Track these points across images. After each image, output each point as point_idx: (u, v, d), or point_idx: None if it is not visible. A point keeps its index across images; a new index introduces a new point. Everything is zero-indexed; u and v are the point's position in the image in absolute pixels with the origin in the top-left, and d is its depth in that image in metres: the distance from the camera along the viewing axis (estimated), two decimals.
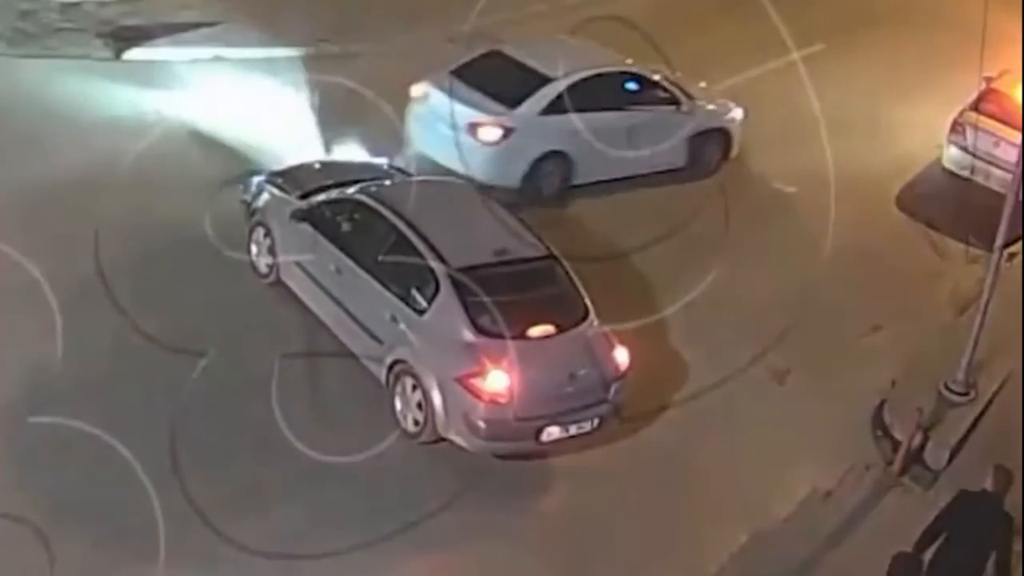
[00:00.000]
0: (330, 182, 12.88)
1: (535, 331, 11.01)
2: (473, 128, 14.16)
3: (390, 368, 11.17)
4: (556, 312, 11.25)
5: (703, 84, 16.17)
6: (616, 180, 14.95)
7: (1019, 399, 12.18)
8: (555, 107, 14.39)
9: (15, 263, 11.26)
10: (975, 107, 16.46)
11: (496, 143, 14.16)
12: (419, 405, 10.90)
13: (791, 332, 13.02)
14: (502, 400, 10.57)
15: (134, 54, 16.76)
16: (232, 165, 14.25)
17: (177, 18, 17.64)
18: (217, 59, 16.92)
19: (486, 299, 10.91)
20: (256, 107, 15.76)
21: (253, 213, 13.02)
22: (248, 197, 13.23)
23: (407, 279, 11.27)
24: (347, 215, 12.10)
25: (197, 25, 17.54)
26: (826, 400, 12.50)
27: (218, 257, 12.47)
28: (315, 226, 12.15)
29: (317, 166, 13.79)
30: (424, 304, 11.08)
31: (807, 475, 11.57)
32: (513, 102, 14.35)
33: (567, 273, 11.56)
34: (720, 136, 15.79)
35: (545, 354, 10.96)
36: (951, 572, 9.61)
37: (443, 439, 10.88)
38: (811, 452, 11.89)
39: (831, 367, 12.96)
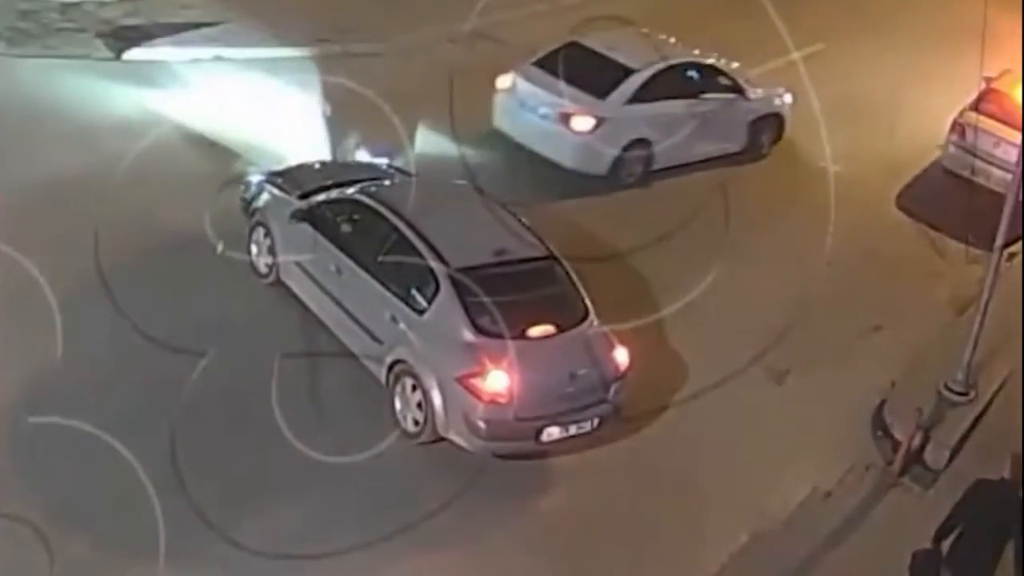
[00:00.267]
0: (330, 182, 12.88)
1: (535, 331, 11.01)
2: (566, 118, 14.85)
3: (390, 368, 11.17)
4: (556, 312, 11.25)
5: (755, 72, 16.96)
6: (687, 164, 15.85)
7: (1019, 399, 12.17)
8: (638, 97, 15.21)
9: (15, 263, 11.25)
10: (975, 107, 16.49)
11: (589, 132, 14.87)
12: (419, 405, 10.90)
13: (791, 332, 13.03)
14: (502, 400, 10.57)
15: (134, 54, 16.76)
16: (232, 165, 14.26)
17: (177, 18, 17.66)
18: (217, 59, 16.93)
19: (486, 299, 10.91)
20: (256, 107, 15.77)
21: (253, 213, 13.02)
22: (248, 197, 13.22)
23: (407, 279, 11.27)
24: (347, 215, 12.10)
25: (197, 25, 17.55)
26: (826, 400, 12.51)
27: (218, 257, 12.46)
28: (315, 226, 12.15)
29: (317, 166, 13.80)
30: (424, 304, 11.08)
31: (807, 475, 11.58)
32: (602, 93, 15.05)
33: (567, 273, 11.55)
34: (775, 120, 16.65)
35: (545, 354, 10.96)
36: (969, 561, 9.62)
37: (443, 439, 10.89)
38: (811, 452, 11.89)
39: (831, 367, 12.96)
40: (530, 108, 15.16)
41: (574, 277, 11.54)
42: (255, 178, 13.42)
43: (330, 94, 15.96)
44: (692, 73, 15.99)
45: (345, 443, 10.57)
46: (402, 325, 11.12)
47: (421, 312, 11.08)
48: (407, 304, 11.18)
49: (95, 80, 15.93)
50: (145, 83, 15.95)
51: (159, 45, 17.00)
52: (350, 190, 12.43)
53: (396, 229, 11.53)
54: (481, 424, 10.58)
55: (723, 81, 16.22)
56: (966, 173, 16.27)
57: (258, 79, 16.52)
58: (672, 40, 16.57)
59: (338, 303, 11.79)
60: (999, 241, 12.19)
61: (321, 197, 12.54)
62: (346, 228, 12.00)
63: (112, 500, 9.83)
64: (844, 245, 14.51)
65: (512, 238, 11.68)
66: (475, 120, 15.45)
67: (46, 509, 9.63)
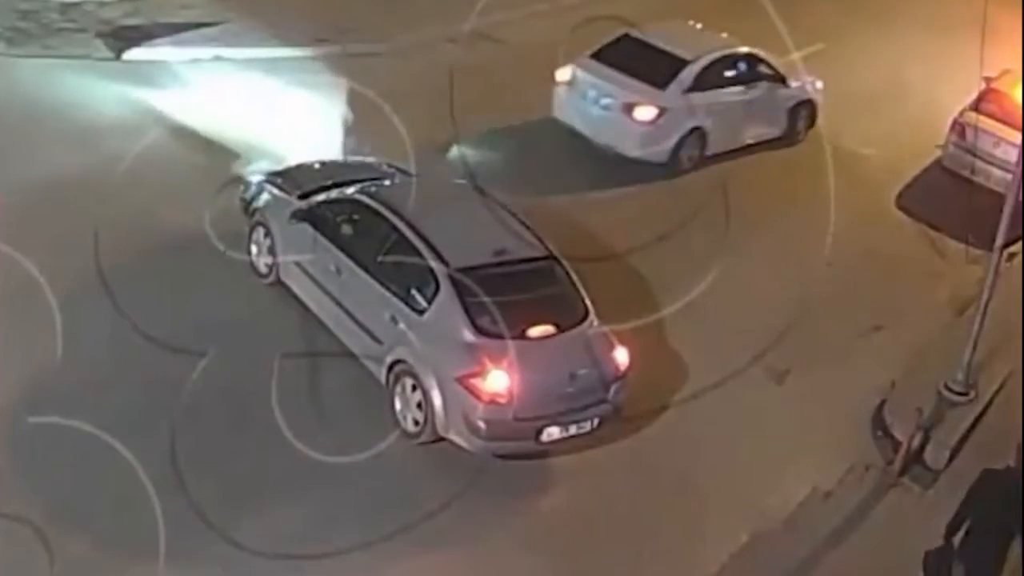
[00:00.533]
0: (330, 182, 12.88)
1: (535, 331, 11.01)
2: (629, 108, 15.50)
3: (390, 368, 11.17)
4: (556, 312, 11.24)
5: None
6: (735, 150, 16.62)
7: (1019, 399, 12.17)
8: (694, 86, 15.92)
9: (15, 263, 11.25)
10: (975, 107, 16.49)
11: (651, 122, 15.53)
12: (419, 405, 10.90)
13: (791, 332, 13.03)
14: (502, 400, 10.57)
15: (134, 54, 16.76)
16: (232, 165, 14.26)
17: (177, 18, 17.67)
18: (217, 59, 16.93)
19: (486, 299, 10.90)
20: (256, 107, 15.77)
21: (253, 213, 13.02)
22: (248, 197, 13.22)
23: (407, 279, 11.27)
24: (347, 215, 12.10)
25: (197, 25, 17.56)
26: (826, 400, 12.50)
27: (218, 257, 12.46)
28: (315, 226, 12.15)
29: (317, 166, 13.78)
30: (424, 304, 11.08)
31: (807, 475, 11.58)
32: (661, 83, 15.72)
33: (567, 273, 11.55)
34: (809, 106, 17.40)
35: (545, 354, 10.96)
36: (980, 553, 9.66)
37: (443, 439, 10.88)
38: (811, 452, 11.89)
39: (831, 367, 12.96)
40: (592, 99, 15.77)
41: (574, 277, 11.53)
42: (255, 178, 13.42)
43: (330, 94, 15.98)
44: (739, 63, 16.67)
45: (345, 443, 10.57)
46: (402, 325, 11.12)
47: (421, 312, 11.08)
48: (407, 304, 11.18)
49: (95, 80, 15.93)
50: (145, 83, 15.95)
51: (159, 45, 17.00)
52: (350, 190, 12.43)
53: (396, 229, 11.52)
54: (481, 424, 10.58)
55: (765, 70, 16.88)
56: (966, 173, 16.28)
57: (258, 79, 16.54)
58: (719, 32, 17.31)
59: (338, 303, 11.78)
60: (999, 241, 12.19)
61: (321, 197, 12.54)
62: (346, 228, 11.99)
63: (112, 500, 9.83)
64: (844, 245, 14.52)
65: (512, 238, 11.67)
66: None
67: (46, 509, 9.63)
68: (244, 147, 14.72)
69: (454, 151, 15.04)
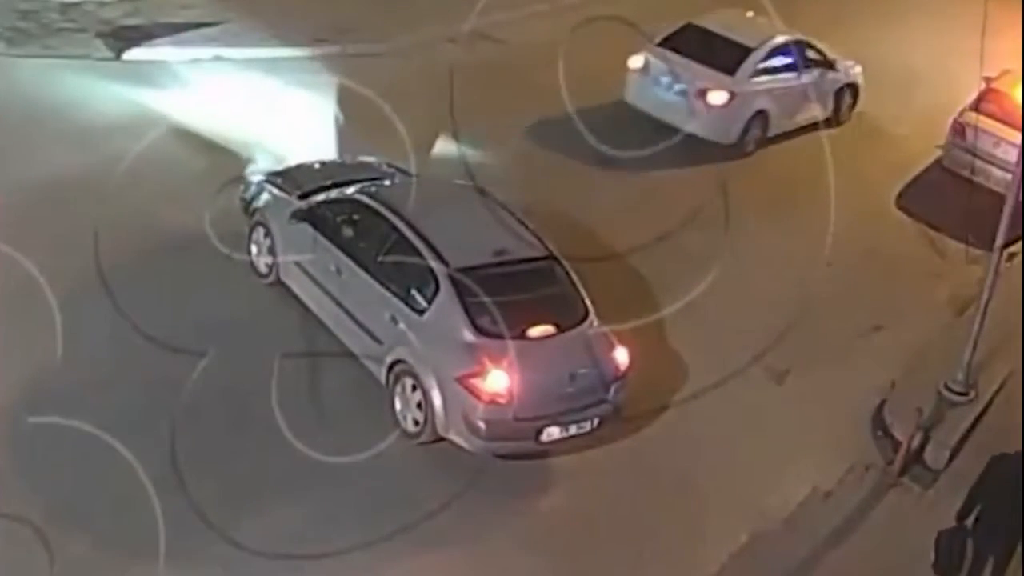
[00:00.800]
0: (330, 182, 12.88)
1: (535, 331, 11.01)
2: (702, 93, 16.46)
3: (390, 368, 11.17)
4: (556, 312, 11.24)
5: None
6: (790, 132, 17.55)
7: (1019, 399, 12.18)
8: (757, 72, 16.92)
9: (15, 263, 11.24)
10: (975, 107, 16.49)
11: (723, 106, 16.50)
12: (419, 405, 10.90)
13: (791, 332, 13.03)
14: (502, 400, 10.57)
15: (134, 54, 16.76)
16: (232, 165, 14.25)
17: (177, 18, 17.66)
18: (217, 59, 16.93)
19: (486, 299, 10.90)
20: (256, 107, 15.77)
21: (253, 213, 13.02)
22: (248, 197, 13.22)
23: (407, 279, 11.27)
24: (347, 215, 12.09)
25: (197, 25, 17.55)
26: (826, 400, 12.51)
27: (218, 257, 12.46)
28: (315, 226, 12.15)
29: (317, 166, 13.78)
30: (424, 304, 11.08)
31: (807, 475, 11.58)
32: (730, 69, 16.69)
33: (567, 273, 11.55)
34: (852, 90, 18.41)
35: (545, 354, 10.96)
36: (991, 536, 9.75)
37: (443, 439, 10.88)
38: (811, 452, 11.89)
39: (831, 367, 12.97)
40: (665, 85, 16.75)
41: (574, 277, 11.53)
42: (255, 178, 13.42)
43: (330, 94, 15.97)
44: (796, 49, 17.53)
45: (345, 443, 10.56)
46: (402, 325, 11.12)
47: (421, 312, 11.08)
48: (407, 304, 11.18)
49: (95, 80, 15.92)
50: (145, 83, 15.95)
51: (159, 45, 17.00)
52: (350, 190, 12.43)
53: (396, 229, 11.52)
54: (481, 424, 10.58)
55: (815, 56, 17.78)
56: (966, 173, 16.26)
57: (258, 79, 16.53)
58: (774, 20, 17.90)
59: (338, 303, 11.78)
60: (999, 241, 12.20)
61: (321, 197, 12.54)
62: (346, 228, 11.99)
63: (112, 500, 9.83)
64: (844, 245, 14.52)
65: (512, 238, 11.67)
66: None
67: (46, 509, 9.63)
68: (244, 147, 14.72)
69: (448, 148, 15.02)
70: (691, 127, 16.37)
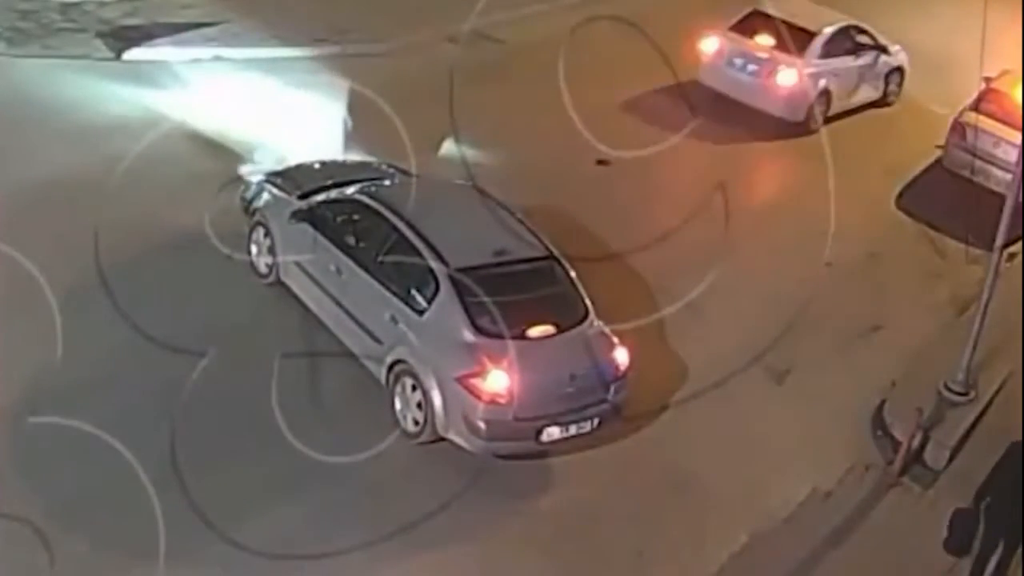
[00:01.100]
0: (330, 182, 12.87)
1: (535, 331, 11.01)
2: (773, 74, 17.69)
3: (390, 368, 11.17)
4: (556, 312, 11.24)
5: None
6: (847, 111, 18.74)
7: (1019, 399, 12.18)
8: (822, 54, 18.07)
9: (15, 263, 11.24)
10: (975, 107, 16.49)
11: (793, 86, 17.65)
12: (419, 405, 10.90)
13: (791, 332, 13.03)
14: (502, 400, 10.56)
15: (134, 54, 16.75)
16: (232, 165, 14.25)
17: (177, 18, 17.66)
18: (217, 59, 16.92)
19: (486, 299, 10.90)
20: (256, 107, 15.76)
21: (253, 213, 13.02)
22: (248, 197, 13.22)
23: (407, 279, 11.27)
24: (347, 215, 12.09)
25: (197, 25, 17.55)
26: (826, 400, 12.51)
27: (218, 257, 12.46)
28: (315, 226, 12.15)
29: (317, 166, 13.77)
30: (424, 304, 11.08)
31: (807, 475, 11.58)
32: (798, 51, 17.73)
33: (567, 273, 11.55)
34: (900, 72, 19.60)
35: (545, 354, 10.95)
36: (1003, 518, 9.85)
37: (443, 439, 10.88)
38: (811, 452, 11.89)
39: (831, 367, 12.97)
40: (738, 67, 17.97)
41: (574, 277, 11.53)
42: (255, 178, 13.41)
43: (330, 94, 15.97)
44: (852, 33, 18.79)
45: (345, 443, 10.57)
46: (402, 325, 11.12)
47: (421, 312, 11.08)
48: (407, 304, 11.17)
49: (95, 80, 15.92)
50: (145, 83, 15.94)
51: (159, 45, 16.99)
52: (350, 190, 12.42)
53: (396, 229, 11.52)
54: (481, 424, 10.57)
55: (870, 41, 18.95)
56: (966, 173, 16.27)
57: (258, 79, 16.53)
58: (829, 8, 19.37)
59: (338, 303, 11.78)
60: (999, 241, 12.19)
61: (321, 197, 12.53)
62: (346, 228, 12.00)
63: (112, 500, 9.83)
64: (844, 245, 14.53)
65: (512, 238, 11.67)
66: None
67: (46, 509, 9.63)
68: (244, 147, 14.71)
69: (453, 150, 15.01)
70: (762, 105, 17.77)
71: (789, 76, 17.69)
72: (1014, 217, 12.23)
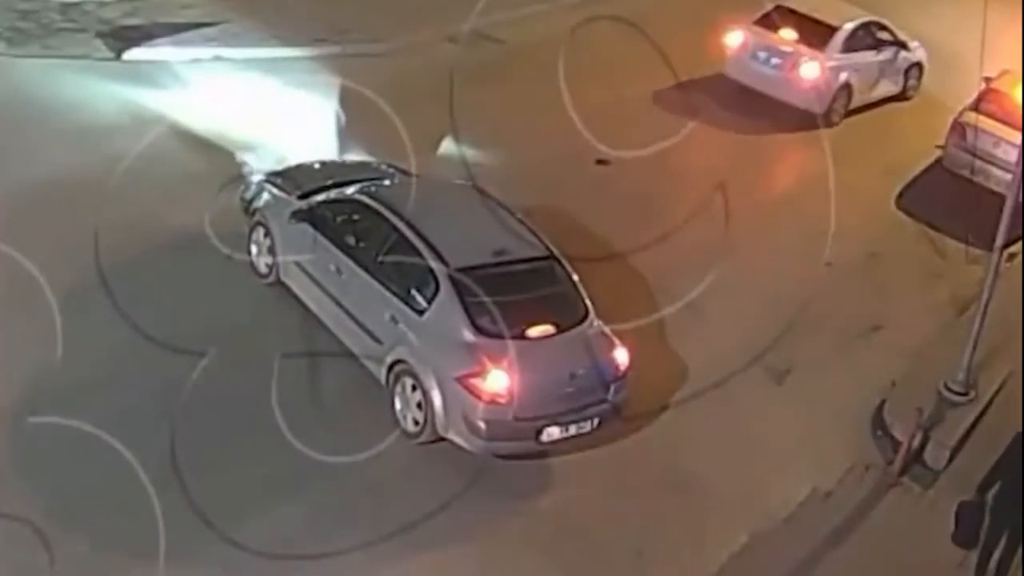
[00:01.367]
0: (330, 182, 12.87)
1: (535, 331, 11.01)
2: (796, 67, 18.01)
3: (390, 368, 11.17)
4: (556, 312, 11.24)
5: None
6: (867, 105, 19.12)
7: (1019, 399, 12.18)
8: (844, 48, 18.43)
9: (15, 263, 11.24)
10: (975, 107, 16.49)
11: (815, 79, 17.96)
12: (419, 405, 10.90)
13: (791, 332, 13.03)
14: (502, 400, 10.56)
15: (134, 54, 16.74)
16: (232, 165, 14.25)
17: (177, 18, 17.64)
18: (217, 59, 16.92)
19: (486, 299, 10.90)
20: (256, 107, 15.76)
21: (253, 213, 13.02)
22: (248, 197, 13.22)
23: (407, 279, 11.27)
24: (347, 215, 12.10)
25: (197, 25, 17.54)
26: (826, 400, 12.51)
27: (218, 257, 12.46)
28: (315, 226, 12.15)
29: (317, 166, 13.78)
30: (424, 304, 11.08)
31: (807, 475, 11.58)
32: (819, 46, 18.19)
33: (567, 273, 11.55)
34: (919, 68, 19.92)
35: (545, 354, 10.95)
36: (1008, 509, 9.86)
37: (443, 439, 10.88)
38: (811, 452, 11.89)
39: (831, 367, 12.96)
40: (762, 60, 18.33)
41: (574, 277, 11.53)
42: (255, 178, 13.42)
43: (330, 94, 15.96)
44: (872, 29, 19.13)
45: (345, 443, 10.57)
46: (402, 325, 11.12)
47: (421, 312, 11.08)
48: (407, 304, 11.17)
49: (95, 80, 15.91)
50: (145, 83, 15.94)
51: (159, 45, 16.98)
52: (350, 190, 12.42)
53: (396, 229, 11.52)
54: (481, 424, 10.57)
55: (890, 37, 19.33)
56: (966, 173, 16.27)
57: (258, 79, 16.52)
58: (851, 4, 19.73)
59: (338, 303, 11.78)
60: (999, 241, 12.19)
61: (321, 197, 12.53)
62: (346, 228, 12.00)
63: (112, 500, 9.83)
64: (844, 245, 14.53)
65: (512, 238, 11.67)
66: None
67: (46, 509, 9.63)
68: (244, 147, 14.71)
69: (453, 150, 15.01)
70: (786, 97, 18.08)
71: (812, 69, 17.97)
72: (1014, 217, 12.23)
